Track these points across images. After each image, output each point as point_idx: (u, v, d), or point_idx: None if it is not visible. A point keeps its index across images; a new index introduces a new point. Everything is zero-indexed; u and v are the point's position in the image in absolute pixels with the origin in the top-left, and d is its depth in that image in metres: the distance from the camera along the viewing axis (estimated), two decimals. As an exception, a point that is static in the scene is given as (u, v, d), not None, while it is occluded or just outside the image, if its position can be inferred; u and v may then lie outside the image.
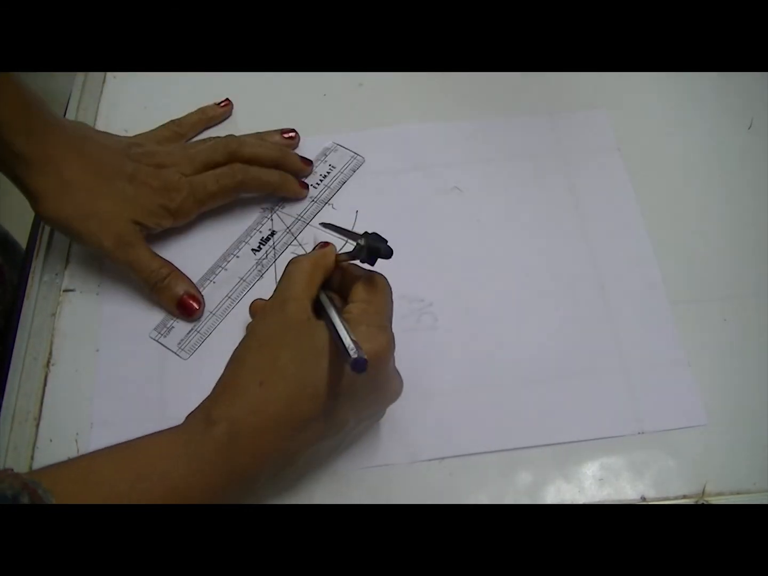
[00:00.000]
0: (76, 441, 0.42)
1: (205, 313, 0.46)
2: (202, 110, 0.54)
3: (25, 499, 0.28)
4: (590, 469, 0.41)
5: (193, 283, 0.46)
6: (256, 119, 0.55)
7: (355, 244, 0.38)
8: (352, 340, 0.32)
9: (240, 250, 0.49)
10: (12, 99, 0.43)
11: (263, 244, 0.49)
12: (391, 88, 0.56)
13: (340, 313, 0.36)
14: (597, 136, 0.53)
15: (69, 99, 0.56)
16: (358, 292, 0.37)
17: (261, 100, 0.56)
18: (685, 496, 0.40)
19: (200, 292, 0.46)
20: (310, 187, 0.51)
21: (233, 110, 0.55)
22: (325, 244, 0.42)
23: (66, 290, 0.48)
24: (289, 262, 0.39)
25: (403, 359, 0.41)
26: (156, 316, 0.47)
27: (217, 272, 0.48)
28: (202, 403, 0.35)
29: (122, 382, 0.44)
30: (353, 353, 0.31)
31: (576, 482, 0.41)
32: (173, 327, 0.46)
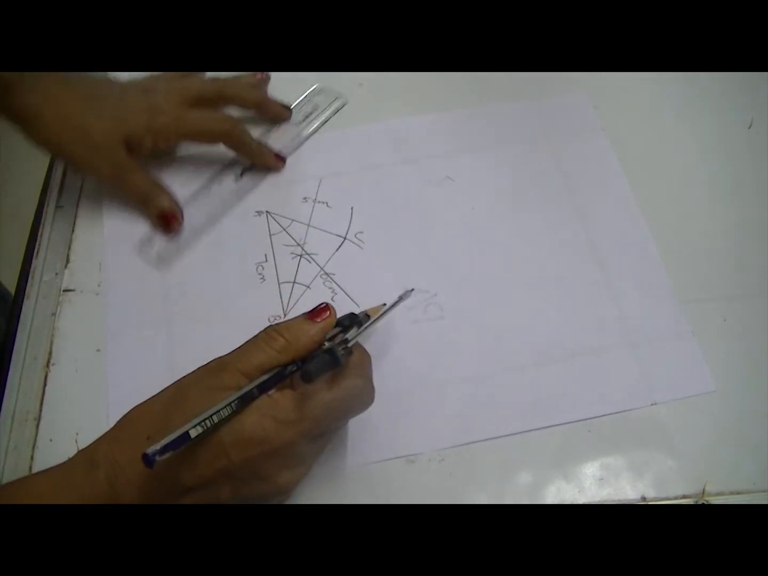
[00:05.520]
0: (76, 441, 0.42)
1: (188, 229, 0.50)
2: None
3: None
4: (590, 469, 0.41)
5: (176, 201, 0.49)
6: (257, 121, 0.55)
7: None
8: (176, 436, 0.31)
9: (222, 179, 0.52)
10: None
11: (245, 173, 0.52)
12: (392, 88, 0.56)
13: (245, 397, 0.34)
14: (580, 117, 0.55)
15: (69, 99, 0.57)
16: (317, 383, 0.35)
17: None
18: (685, 496, 0.40)
19: (181, 210, 0.49)
20: (293, 118, 0.54)
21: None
22: (325, 308, 0.38)
23: (66, 290, 0.48)
24: (266, 333, 0.37)
25: (413, 350, 0.45)
26: (156, 309, 0.47)
27: (198, 197, 0.51)
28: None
29: (131, 379, 0.44)
30: (150, 449, 0.30)
31: (576, 482, 0.41)
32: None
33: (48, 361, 0.45)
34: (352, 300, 0.47)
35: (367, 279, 0.48)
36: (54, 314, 0.47)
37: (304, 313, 0.38)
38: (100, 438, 0.35)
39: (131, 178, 0.48)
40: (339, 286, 0.47)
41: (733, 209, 0.50)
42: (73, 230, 0.50)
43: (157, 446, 0.30)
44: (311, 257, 0.49)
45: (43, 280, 0.48)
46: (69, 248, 0.49)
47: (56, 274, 0.48)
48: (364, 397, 0.37)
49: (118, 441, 0.35)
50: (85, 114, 0.46)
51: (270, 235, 0.50)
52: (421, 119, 0.55)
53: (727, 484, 0.41)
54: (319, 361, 0.35)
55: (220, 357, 0.36)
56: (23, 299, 0.47)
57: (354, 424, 0.42)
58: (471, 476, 0.41)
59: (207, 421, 0.32)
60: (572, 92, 0.56)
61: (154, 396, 0.36)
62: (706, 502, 0.40)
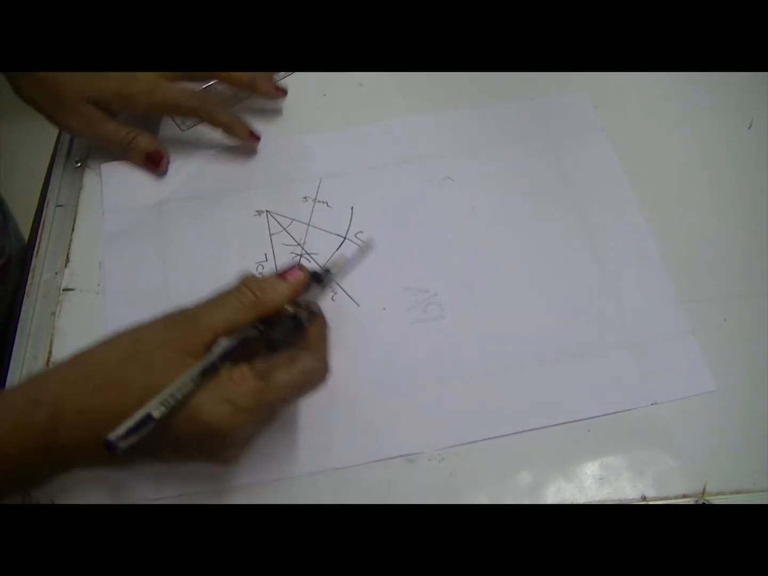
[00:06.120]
0: (76, 440, 0.42)
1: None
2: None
3: None
4: (590, 469, 0.41)
5: (155, 140, 0.53)
6: (258, 120, 0.55)
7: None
8: (139, 419, 0.30)
9: None
10: None
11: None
12: (391, 88, 0.56)
13: (207, 370, 0.33)
14: (580, 117, 0.55)
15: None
16: (273, 364, 0.34)
17: (260, 100, 0.56)
18: (685, 496, 0.40)
19: (163, 148, 0.52)
20: None
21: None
22: (297, 268, 0.38)
23: (66, 289, 0.48)
24: (237, 287, 0.36)
25: (414, 350, 0.45)
26: (156, 309, 0.46)
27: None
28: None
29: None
30: (112, 434, 0.29)
31: (576, 482, 0.41)
32: None
33: (48, 361, 0.45)
34: (352, 299, 0.47)
35: (367, 279, 0.48)
36: (54, 313, 0.47)
37: (276, 272, 0.38)
38: (49, 374, 0.35)
39: (103, 129, 0.51)
40: (339, 286, 0.47)
41: (733, 209, 0.50)
42: (73, 230, 0.50)
43: (120, 431, 0.29)
44: (311, 257, 0.49)
45: (42, 279, 0.48)
46: (69, 248, 0.49)
47: (56, 273, 0.48)
48: (318, 380, 0.36)
49: (67, 382, 0.33)
50: (57, 74, 0.49)
51: (270, 235, 0.50)
52: (421, 119, 0.55)
53: (727, 484, 0.41)
54: (283, 326, 0.35)
55: (187, 308, 0.35)
56: (23, 298, 0.47)
57: (354, 423, 0.42)
58: (471, 476, 0.41)
59: (169, 400, 0.31)
60: (572, 92, 0.56)
61: (110, 340, 0.35)
62: (706, 502, 0.40)
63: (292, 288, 0.37)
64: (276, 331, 0.35)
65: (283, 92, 0.54)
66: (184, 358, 0.33)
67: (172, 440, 0.33)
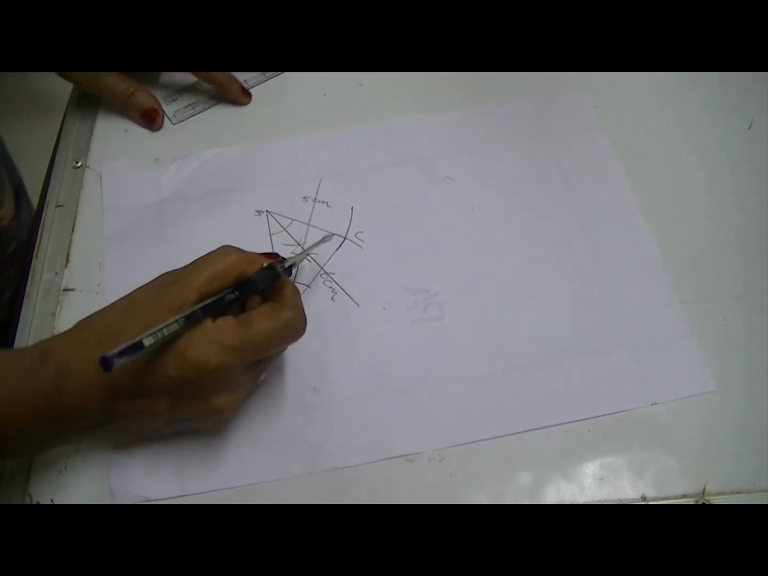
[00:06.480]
0: (76, 440, 0.42)
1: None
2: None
3: None
4: (590, 469, 0.41)
5: (155, 97, 0.54)
6: (258, 120, 0.55)
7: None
8: (132, 343, 0.33)
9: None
10: None
11: None
12: (392, 88, 0.56)
13: (191, 316, 0.36)
14: (580, 117, 0.55)
15: (69, 99, 0.57)
16: (255, 312, 0.38)
17: (261, 100, 0.56)
18: (685, 496, 0.40)
19: (161, 105, 0.54)
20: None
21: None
22: (273, 255, 0.43)
23: (66, 289, 0.48)
24: (219, 250, 0.39)
25: (414, 350, 0.45)
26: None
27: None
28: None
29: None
30: (108, 353, 0.32)
31: (576, 482, 0.41)
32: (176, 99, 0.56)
33: (48, 361, 0.45)
34: (352, 299, 0.47)
35: (367, 278, 0.48)
36: (54, 314, 0.47)
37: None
38: (57, 335, 0.38)
39: (106, 81, 0.52)
40: (339, 286, 0.47)
41: (733, 209, 0.50)
42: (73, 230, 0.50)
43: (115, 351, 0.32)
44: (311, 257, 0.49)
45: (42, 279, 0.48)
46: (69, 248, 0.49)
47: (56, 273, 0.48)
48: (298, 327, 0.39)
49: (71, 340, 0.37)
50: None
51: (270, 235, 0.50)
52: (421, 119, 0.55)
53: (727, 484, 0.41)
54: (262, 273, 0.39)
55: (175, 270, 0.38)
56: (23, 298, 0.47)
57: (354, 423, 0.42)
58: (471, 476, 0.41)
59: (158, 333, 0.34)
60: (572, 92, 0.56)
61: (109, 305, 0.38)
62: (706, 502, 0.40)
63: (268, 259, 0.41)
64: (257, 275, 0.39)
65: (249, 96, 0.55)
66: (172, 314, 0.36)
67: (163, 385, 0.35)
